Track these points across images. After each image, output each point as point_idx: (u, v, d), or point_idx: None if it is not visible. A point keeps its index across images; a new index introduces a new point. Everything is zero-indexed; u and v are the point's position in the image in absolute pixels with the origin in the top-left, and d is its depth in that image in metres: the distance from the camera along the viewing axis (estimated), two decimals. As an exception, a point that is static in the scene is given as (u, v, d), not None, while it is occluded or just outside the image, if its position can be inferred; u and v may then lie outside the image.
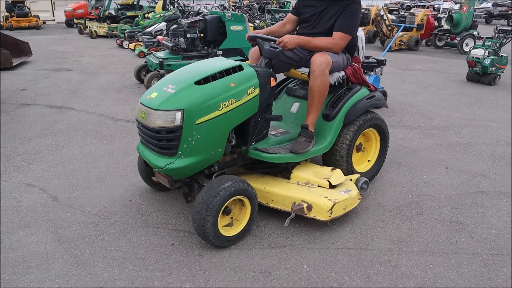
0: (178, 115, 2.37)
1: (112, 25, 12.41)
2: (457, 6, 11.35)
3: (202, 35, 6.38)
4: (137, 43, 9.72)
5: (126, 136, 4.50)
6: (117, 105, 5.64)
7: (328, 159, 3.25)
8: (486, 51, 7.17)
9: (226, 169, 2.87)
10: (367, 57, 5.59)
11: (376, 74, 5.48)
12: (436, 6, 16.20)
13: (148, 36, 8.94)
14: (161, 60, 6.09)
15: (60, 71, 7.82)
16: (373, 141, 3.54)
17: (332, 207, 2.66)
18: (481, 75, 7.40)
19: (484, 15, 19.44)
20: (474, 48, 7.48)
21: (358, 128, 3.18)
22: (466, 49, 9.97)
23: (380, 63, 5.49)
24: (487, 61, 7.13)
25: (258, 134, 2.85)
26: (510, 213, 3.11)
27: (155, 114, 2.40)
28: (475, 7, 19.90)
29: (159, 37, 7.95)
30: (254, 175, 3.05)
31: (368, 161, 3.56)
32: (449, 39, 11.45)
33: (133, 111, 5.41)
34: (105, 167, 3.73)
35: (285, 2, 13.65)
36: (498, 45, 7.28)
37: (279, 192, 2.79)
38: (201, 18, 6.32)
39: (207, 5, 14.04)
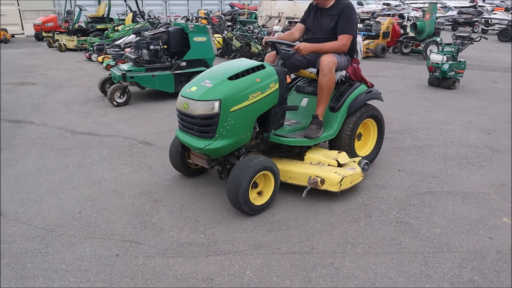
0: (216, 104, 2.91)
1: (82, 38, 12.30)
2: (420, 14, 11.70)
3: (165, 46, 6.40)
4: (105, 56, 9.67)
5: (84, 149, 4.46)
6: (78, 118, 5.59)
7: (334, 144, 3.79)
8: (445, 57, 7.41)
9: (251, 152, 3.43)
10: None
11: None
12: (405, 14, 16.66)
13: (116, 49, 8.90)
14: (124, 72, 6.07)
15: (24, 85, 7.69)
16: (371, 129, 4.10)
17: (341, 180, 3.21)
18: (441, 80, 7.63)
19: (450, 23, 20.10)
20: (434, 54, 7.71)
21: (359, 117, 3.75)
22: (430, 55, 10.26)
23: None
24: (445, 66, 7.37)
25: (277, 122, 3.40)
26: (454, 212, 3.22)
27: (197, 104, 2.95)
28: (442, 15, 20.57)
29: (127, 50, 7.94)
30: (273, 158, 3.50)
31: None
32: (414, 46, 11.77)
33: (94, 124, 5.37)
34: (58, 180, 3.69)
35: (251, 13, 13.85)
36: (456, 50, 7.53)
37: (296, 170, 3.35)
38: (164, 30, 6.34)
39: (176, 17, 14.11)
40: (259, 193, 3.16)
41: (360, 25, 12.93)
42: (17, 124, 5.34)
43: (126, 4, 12.58)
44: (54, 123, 5.37)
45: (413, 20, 12.43)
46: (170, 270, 2.47)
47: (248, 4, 17.47)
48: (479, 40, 8.28)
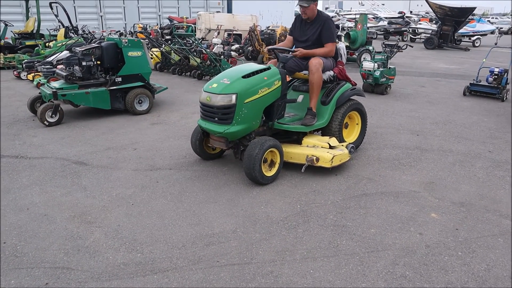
0: (234, 97, 3.69)
1: (9, 55, 11.58)
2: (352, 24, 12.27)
3: (99, 62, 6.19)
4: (36, 73, 9.17)
5: (10, 174, 4.16)
6: (5, 141, 5.22)
7: (326, 132, 4.54)
8: (376, 64, 7.82)
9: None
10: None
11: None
12: (340, 24, 17.42)
13: (48, 66, 8.45)
14: (54, 90, 5.79)
15: None
16: (356, 120, 4.88)
17: (332, 158, 3.96)
18: (374, 86, 8.04)
19: (382, 32, 21.35)
20: (366, 61, 8.12)
21: (346, 110, 4.55)
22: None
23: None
24: (377, 73, 7.78)
25: (279, 113, 4.20)
26: (388, 211, 3.37)
27: (218, 97, 3.73)
28: (374, 25, 21.76)
29: (59, 66, 7.58)
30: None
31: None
32: (349, 55, 12.33)
33: (23, 145, 5.04)
34: (-19, 209, 3.41)
35: (188, 27, 13.85)
36: (385, 58, 7.98)
37: (296, 151, 4.13)
38: (97, 45, 6.14)
39: (112, 31, 13.74)
40: (270, 165, 3.94)
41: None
42: None
43: (58, 19, 12.03)
44: (-23, 148, 4.98)
45: (347, 30, 13.03)
46: (104, 294, 2.36)
47: (187, 18, 17.42)
48: (406, 48, 8.85)
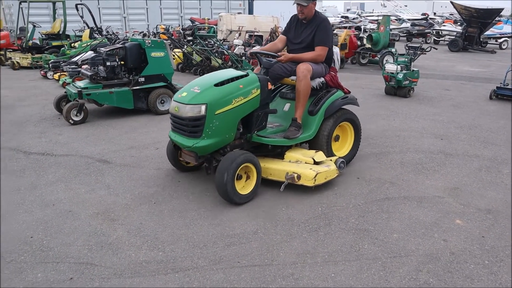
0: (203, 107, 3.33)
1: (37, 55, 11.91)
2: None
3: (122, 62, 6.30)
4: (62, 73, 9.39)
5: (37, 170, 4.28)
6: (32, 138, 5.37)
7: (313, 144, 4.14)
8: (399, 66, 7.71)
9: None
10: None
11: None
12: (362, 26, 17.25)
13: (73, 66, 8.65)
14: (80, 89, 5.91)
15: (-27, 106, 7.33)
16: (348, 132, 4.45)
17: (316, 175, 3.54)
18: (397, 89, 7.92)
19: (405, 34, 21.02)
20: (389, 64, 8.01)
21: (335, 120, 4.12)
22: (386, 65, 10.65)
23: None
24: (400, 76, 7.66)
25: (259, 124, 3.81)
26: (411, 216, 3.31)
27: (187, 107, 3.38)
28: (396, 27, 21.46)
29: (84, 66, 7.74)
30: (258, 157, 3.74)
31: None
32: (371, 57, 12.20)
33: (49, 143, 5.18)
34: (6, 205, 3.51)
35: (211, 28, 13.95)
36: (409, 60, 7.86)
37: (276, 167, 3.71)
38: (120, 45, 6.25)
39: (135, 32, 13.96)
40: (246, 182, 3.54)
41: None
42: (-35, 147, 5.06)
43: (83, 21, 12.30)
44: (6, 144, 5.13)
45: (369, 32, 12.89)
46: (127, 291, 2.39)
47: (208, 19, 17.56)
48: (430, 50, 8.70)
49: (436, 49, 10.18)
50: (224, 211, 3.35)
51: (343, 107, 4.23)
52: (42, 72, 10.45)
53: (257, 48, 4.35)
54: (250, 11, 22.09)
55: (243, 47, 10.63)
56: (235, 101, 3.46)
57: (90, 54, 8.98)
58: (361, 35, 13.17)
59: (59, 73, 9.52)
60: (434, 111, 6.86)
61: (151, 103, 6.39)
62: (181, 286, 2.43)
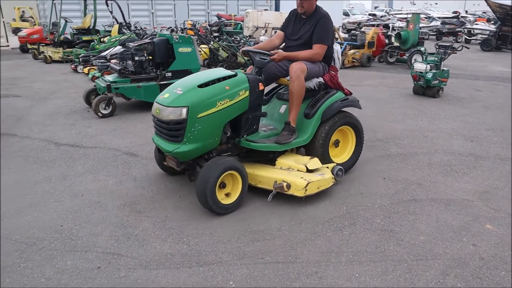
0: (184, 110, 3.08)
1: (68, 49, 12.22)
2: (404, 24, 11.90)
3: (150, 57, 6.39)
4: (91, 67, 9.61)
5: (67, 161, 4.40)
6: (62, 130, 5.53)
7: (308, 150, 3.86)
8: (428, 66, 7.53)
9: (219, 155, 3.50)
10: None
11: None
12: (390, 24, 16.93)
13: (102, 60, 8.84)
14: (108, 83, 6.04)
15: (7, 98, 7.60)
16: (349, 137, 4.13)
17: (306, 185, 3.26)
18: (425, 88, 7.74)
19: (434, 33, 20.50)
20: (418, 63, 7.84)
21: (333, 125, 3.80)
22: (415, 64, 10.43)
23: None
24: (429, 75, 7.48)
25: (249, 128, 3.55)
26: (438, 219, 3.23)
27: (167, 110, 3.14)
28: (426, 25, 20.96)
29: (112, 61, 7.89)
30: (247, 162, 3.63)
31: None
32: (399, 55, 11.96)
33: (79, 135, 5.32)
34: (41, 193, 3.63)
35: (237, 24, 13.96)
36: (439, 59, 7.66)
37: (265, 175, 3.43)
38: (149, 40, 6.34)
39: (162, 28, 14.12)
40: (227, 194, 3.27)
41: (345, 35, 13.11)
42: None
43: (113, 16, 12.54)
44: (38, 135, 5.30)
45: (398, 30, 12.63)
46: (152, 282, 2.43)
47: (235, 15, 17.60)
48: (461, 49, 8.46)
49: (468, 48, 9.88)
50: (248, 207, 3.36)
51: (344, 109, 3.96)
52: (72, 66, 10.73)
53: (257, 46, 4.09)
54: (277, 8, 22.02)
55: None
56: (220, 103, 3.20)
57: (118, 48, 9.15)
58: (389, 33, 12.94)
59: (88, 67, 9.75)
60: (464, 112, 6.67)
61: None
62: (205, 279, 2.45)
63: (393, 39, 12.01)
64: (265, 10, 19.07)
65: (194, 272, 2.52)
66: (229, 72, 3.43)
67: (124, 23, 11.77)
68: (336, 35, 12.36)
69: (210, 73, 3.45)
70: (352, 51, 11.47)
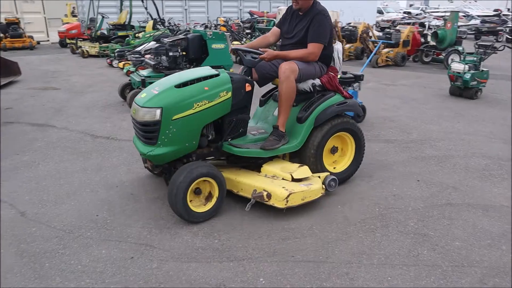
0: (158, 112, 2.93)
1: (104, 44, 12.56)
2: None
3: (184, 53, 6.46)
4: (126, 62, 9.83)
5: (102, 153, 4.52)
6: (98, 123, 5.69)
7: (299, 157, 3.57)
8: (466, 66, 7.27)
9: (205, 160, 3.38)
10: (344, 73, 5.67)
11: (354, 89, 5.55)
12: (426, 23, 16.46)
13: (137, 55, 9.03)
14: (143, 78, 6.17)
15: (47, 90, 7.89)
16: (349, 144, 3.82)
17: (288, 196, 3.01)
18: (463, 90, 7.48)
19: (473, 32, 19.75)
20: (455, 63, 7.58)
21: (327, 131, 3.51)
22: (452, 64, 10.10)
23: (358, 78, 5.56)
24: (467, 76, 7.22)
25: (234, 131, 3.34)
26: (475, 225, 3.13)
27: (141, 111, 3.00)
28: (464, 24, 20.24)
29: (147, 56, 8.05)
30: (233, 167, 3.49)
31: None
32: (435, 55, 11.61)
33: (114, 128, 5.46)
34: (78, 183, 3.75)
35: (270, 21, 13.92)
36: (478, 60, 7.39)
37: (246, 182, 3.21)
38: (183, 36, 6.42)
39: (196, 24, 14.28)
40: (207, 199, 3.13)
41: (379, 33, 12.85)
42: (39, 128, 5.47)
43: (147, 12, 12.80)
44: (75, 127, 5.48)
45: (434, 28, 12.26)
46: (183, 274, 2.47)
47: (267, 12, 17.56)
48: (503, 49, 8.12)
49: (511, 48, 9.47)
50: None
51: (342, 114, 3.67)
52: (108, 61, 11.02)
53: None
54: (309, 5, 21.77)
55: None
56: (197, 105, 3.00)
57: (152, 44, 9.31)
58: (425, 32, 12.58)
59: (123, 62, 9.97)
60: (504, 115, 6.40)
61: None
62: (235, 275, 2.47)
63: (429, 38, 11.67)
64: (298, 7, 18.88)
65: (224, 267, 2.55)
66: (211, 72, 3.21)
67: (158, 19, 11.99)
68: (370, 33, 12.14)
69: (192, 73, 3.27)
70: (386, 50, 11.23)
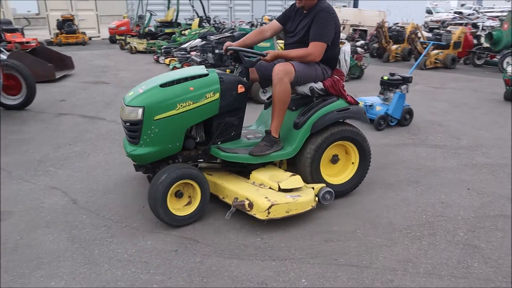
0: (140, 111, 2.86)
1: (151, 41, 12.94)
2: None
3: (230, 51, 6.53)
4: (172, 58, 10.08)
5: (149, 146, 4.65)
6: (145, 117, 5.86)
7: (295, 166, 3.38)
8: (524, 70, 6.87)
9: (193, 162, 3.26)
10: (392, 74, 5.53)
11: (401, 92, 5.40)
12: (479, 23, 15.72)
13: (183, 52, 9.25)
14: (189, 74, 6.29)
15: (97, 84, 8.24)
16: (352, 155, 3.52)
17: (270, 207, 2.81)
18: (519, 95, 7.08)
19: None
20: (511, 66, 7.18)
21: (325, 139, 3.25)
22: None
23: (406, 80, 5.41)
24: (525, 81, 6.83)
25: (223, 134, 3.20)
26: (531, 239, 2.95)
27: (125, 109, 2.95)
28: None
29: (192, 53, 8.22)
30: (222, 172, 3.37)
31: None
32: (488, 58, 11.06)
33: (159, 122, 5.60)
34: (126, 175, 3.88)
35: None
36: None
37: (231, 188, 3.07)
38: (229, 34, 6.49)
39: (240, 22, 14.39)
40: (189, 203, 3.04)
41: (429, 34, 12.39)
42: (90, 120, 5.71)
43: (194, 10, 13.06)
44: (123, 120, 5.67)
45: (489, 29, 11.67)
46: (226, 270, 2.50)
47: (312, 11, 17.41)
48: None
49: None
50: (322, 207, 3.30)
51: (345, 121, 3.44)
52: (155, 57, 11.34)
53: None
54: (356, 5, 21.42)
55: (346, 41, 10.36)
56: (181, 105, 2.89)
57: (198, 41, 9.51)
58: (478, 33, 12.01)
59: (169, 58, 10.23)
60: None
61: (253, 92, 6.55)
62: (277, 274, 2.47)
63: (482, 40, 11.13)
64: (344, 6, 18.67)
65: (266, 266, 2.55)
66: (201, 72, 3.07)
67: (204, 17, 12.20)
68: (419, 34, 11.74)
69: (180, 72, 3.20)
70: (435, 51, 10.82)
